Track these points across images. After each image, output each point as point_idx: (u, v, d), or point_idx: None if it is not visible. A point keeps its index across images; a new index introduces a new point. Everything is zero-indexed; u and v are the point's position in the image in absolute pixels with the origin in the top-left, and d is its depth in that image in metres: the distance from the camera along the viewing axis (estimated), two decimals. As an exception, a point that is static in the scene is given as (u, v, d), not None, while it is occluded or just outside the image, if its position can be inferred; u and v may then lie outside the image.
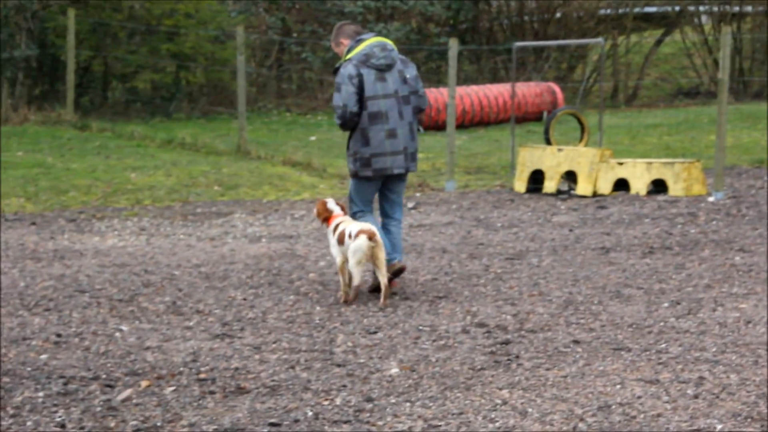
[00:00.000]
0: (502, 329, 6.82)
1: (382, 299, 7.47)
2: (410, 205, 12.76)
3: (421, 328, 6.90)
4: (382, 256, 7.43)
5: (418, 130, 8.02)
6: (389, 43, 7.82)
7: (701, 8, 29.54)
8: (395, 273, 7.82)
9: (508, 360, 6.11)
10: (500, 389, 5.60)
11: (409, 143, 7.82)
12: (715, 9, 29.04)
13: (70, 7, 19.97)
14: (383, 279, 7.47)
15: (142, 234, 10.72)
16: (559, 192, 13.42)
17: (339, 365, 6.07)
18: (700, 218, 11.14)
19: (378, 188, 7.94)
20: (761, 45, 29.52)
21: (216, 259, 9.37)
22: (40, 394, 5.61)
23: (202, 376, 5.89)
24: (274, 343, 6.58)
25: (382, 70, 7.71)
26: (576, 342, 6.45)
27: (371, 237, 7.40)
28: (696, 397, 5.40)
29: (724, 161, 12.99)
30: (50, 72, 21.13)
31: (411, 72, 7.82)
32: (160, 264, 9.13)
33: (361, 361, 6.16)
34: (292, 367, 6.03)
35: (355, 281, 7.52)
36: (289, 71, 24.80)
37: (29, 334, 6.80)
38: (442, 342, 6.54)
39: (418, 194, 13.77)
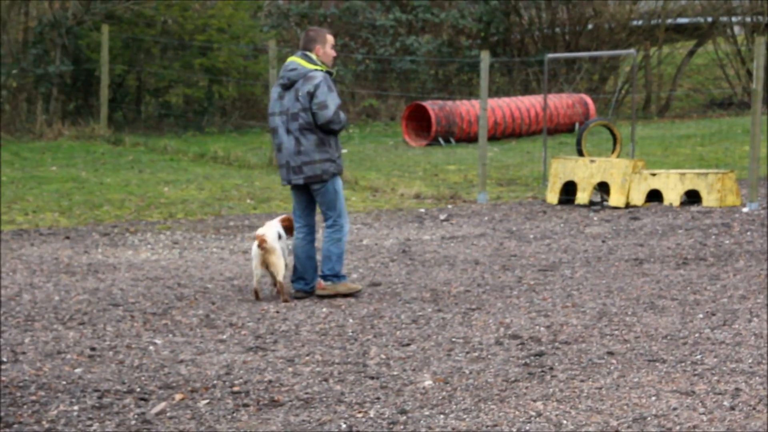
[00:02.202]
0: (536, 341, 6.78)
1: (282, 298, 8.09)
2: (442, 217, 12.74)
3: (454, 340, 6.88)
4: (273, 260, 8.02)
5: (351, 137, 8.54)
6: (297, 62, 8.13)
7: (734, 19, 29.37)
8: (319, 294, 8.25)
9: (542, 372, 6.07)
10: (534, 401, 5.57)
11: (293, 157, 8.15)
12: (748, 20, 28.87)
13: (104, 23, 20.15)
14: (278, 279, 8.09)
15: (175, 247, 10.77)
16: (591, 203, 13.35)
17: (372, 377, 6.06)
18: (734, 229, 11.05)
19: (299, 198, 8.36)
20: (795, 54, 29.28)
21: (249, 273, 9.38)
22: (75, 407, 5.64)
23: (236, 389, 5.90)
24: (308, 355, 6.57)
25: (285, 88, 8.17)
26: (610, 353, 6.41)
27: (260, 243, 8.03)
28: (732, 408, 5.34)
29: (759, 172, 12.89)
30: (84, 87, 21.32)
31: (304, 89, 8.07)
32: (193, 277, 9.17)
33: (395, 373, 6.15)
34: (326, 380, 6.03)
35: (253, 283, 8.17)
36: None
37: (64, 347, 6.84)
38: (476, 354, 6.52)
39: (450, 206, 13.75)
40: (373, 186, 14.90)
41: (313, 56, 8.11)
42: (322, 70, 8.07)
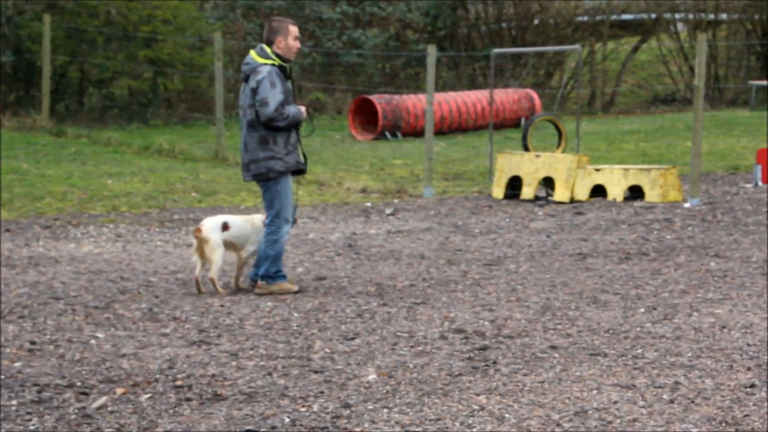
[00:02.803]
0: (480, 335, 6.83)
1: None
2: (388, 211, 12.76)
3: (398, 334, 6.90)
4: (207, 251, 8.07)
5: (312, 131, 8.24)
6: (251, 55, 8.02)
7: (677, 16, 29.72)
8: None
9: (486, 366, 6.11)
10: (478, 395, 5.61)
11: (244, 154, 8.12)
12: (691, 17, 29.23)
13: (46, 13, 19.87)
14: (210, 272, 8.10)
15: (118, 241, 10.67)
16: (536, 198, 13.45)
17: (316, 371, 6.06)
18: (676, 224, 11.20)
19: (262, 193, 8.28)
20: (736, 52, 29.74)
21: (193, 266, 9.33)
22: (14, 402, 5.57)
23: (179, 383, 5.86)
24: (251, 349, 6.56)
25: (245, 81, 8.12)
26: (553, 347, 6.47)
27: (195, 232, 8.19)
28: (671, 402, 5.42)
29: (700, 168, 13.07)
30: (25, 78, 21.02)
31: (251, 84, 7.97)
32: (136, 271, 9.09)
33: (339, 367, 6.15)
34: (270, 374, 6.01)
35: (195, 272, 8.24)
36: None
37: (3, 341, 6.75)
38: (420, 348, 6.54)
39: (396, 200, 13.78)
40: (319, 180, 14.88)
41: (268, 50, 7.92)
42: (272, 64, 7.91)
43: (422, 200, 13.74)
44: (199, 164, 15.73)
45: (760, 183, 13.95)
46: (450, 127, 21.88)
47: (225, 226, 8.21)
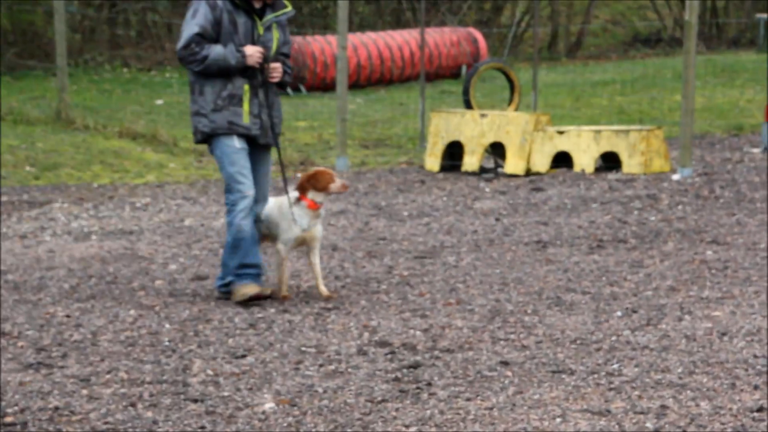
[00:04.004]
0: (410, 349, 6.87)
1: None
2: (290, 188, 12.74)
3: (303, 349, 6.92)
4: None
5: (286, 93, 8.13)
6: None
7: (663, -70, 30.09)
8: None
9: (418, 389, 6.16)
10: (407, 426, 5.65)
11: None
12: (681, -69, 29.61)
13: None
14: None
15: (-72, 232, 10.54)
16: (482, 170, 13.56)
17: (195, 400, 6.05)
18: (662, 202, 11.38)
19: None
20: (739, -22, 30.21)
21: (28, 264, 9.24)
22: None
23: (9, 419, 5.82)
24: (108, 373, 6.53)
25: None
26: (504, 363, 6.54)
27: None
28: (657, 431, 5.52)
29: (693, 128, 13.28)
30: None
31: None
32: (-47, 271, 9.00)
33: (225, 394, 6.15)
34: (133, 405, 6.00)
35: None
36: (126, 13, 24.52)
37: None
38: (332, 367, 6.57)
39: (299, 174, 13.78)
40: (197, 149, 14.81)
41: None
42: None
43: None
44: (36, 128, 15.55)
45: (769, 147, 14.24)
46: (369, 79, 21.91)
47: None
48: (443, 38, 22.55)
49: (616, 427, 5.58)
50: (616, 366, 6.46)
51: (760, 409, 5.72)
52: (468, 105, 15.72)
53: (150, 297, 8.21)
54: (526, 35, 26.48)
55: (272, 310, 7.81)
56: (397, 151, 15.01)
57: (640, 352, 6.71)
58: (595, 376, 6.31)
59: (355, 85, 20.63)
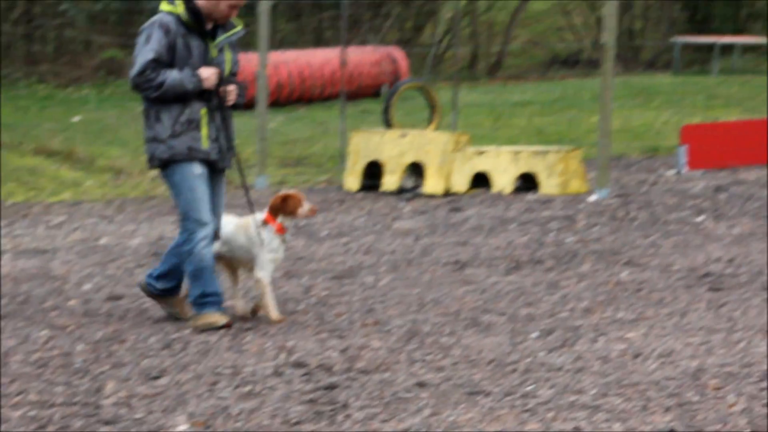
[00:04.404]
0: (326, 370, 6.86)
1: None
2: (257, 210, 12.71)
3: (219, 370, 6.88)
4: None
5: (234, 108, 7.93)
6: None
7: (581, -48, 30.33)
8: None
9: (333, 410, 6.15)
10: (322, 449, 5.64)
11: None
12: (599, -46, 29.91)
13: None
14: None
15: None
16: (401, 190, 13.59)
17: (108, 422, 5.99)
18: (578, 223, 11.46)
19: None
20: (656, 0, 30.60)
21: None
22: None
23: None
24: (18, 395, 6.44)
25: None
26: (421, 385, 6.54)
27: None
28: (571, 452, 5.55)
29: (610, 150, 13.41)
30: None
31: None
32: None
33: (139, 416, 6.10)
34: (43, 427, 5.92)
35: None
36: (43, 28, 24.31)
37: None
38: (247, 388, 6.54)
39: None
40: (115, 166, 14.72)
41: None
42: (170, 12, 7.65)
43: (253, 193, 13.66)
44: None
45: (684, 169, 14.41)
46: (290, 97, 21.89)
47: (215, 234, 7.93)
48: (364, 57, 22.60)
49: (530, 449, 5.60)
50: (531, 387, 6.49)
51: (671, 431, 5.76)
52: (388, 124, 15.76)
53: (63, 317, 8.13)
54: (447, 55, 26.62)
55: (187, 331, 7.76)
56: (317, 170, 15.01)
57: (555, 373, 6.75)
58: (511, 397, 6.33)
59: (276, 104, 20.59)
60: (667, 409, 6.08)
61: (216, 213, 7.91)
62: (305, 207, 7.99)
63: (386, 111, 15.96)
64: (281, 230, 7.94)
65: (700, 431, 5.76)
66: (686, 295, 8.53)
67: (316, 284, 9.09)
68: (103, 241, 10.97)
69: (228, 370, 6.89)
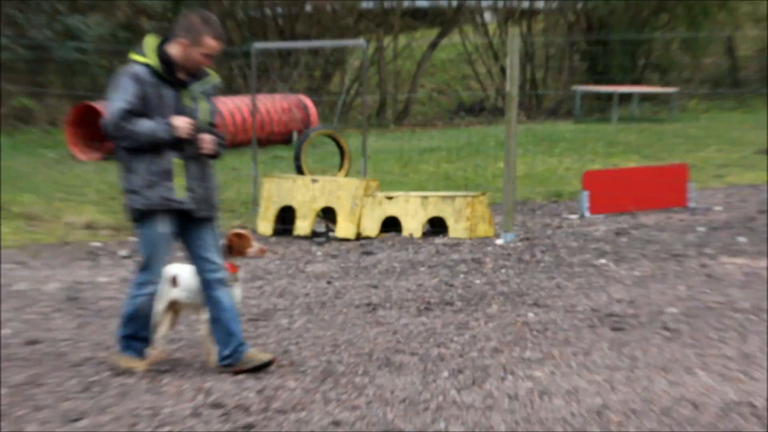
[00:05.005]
0: (244, 410, 6.90)
1: None
2: (123, 252, 12.69)
3: (138, 412, 6.89)
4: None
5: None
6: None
7: (483, 3, 30.69)
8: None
9: (252, 449, 6.19)
10: (242, 487, 5.68)
11: None
12: (501, 4, 30.28)
13: None
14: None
15: None
16: (314, 234, 13.67)
17: (30, 464, 6.00)
18: (486, 265, 11.60)
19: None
20: (556, 50, 31.05)
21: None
22: None
23: None
24: (-58, 438, 6.42)
25: None
26: (336, 423, 6.61)
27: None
28: (483, 486, 5.66)
29: (515, 195, 13.59)
30: None
31: None
32: None
33: (60, 457, 6.10)
34: (-32, 470, 5.91)
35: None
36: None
37: None
38: (166, 429, 6.56)
39: (132, 239, 13.68)
40: (28, 213, 14.63)
41: (150, 44, 7.58)
42: (142, 63, 7.57)
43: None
44: None
45: (586, 213, 14.65)
46: (201, 144, 21.84)
47: (174, 281, 7.91)
48: (274, 105, 22.69)
49: (444, 483, 5.70)
50: (443, 425, 6.58)
51: (578, 464, 5.90)
52: (299, 170, 15.85)
53: (-17, 361, 8.07)
54: (355, 103, 26.78)
55: (106, 374, 7.75)
56: (230, 215, 15.01)
57: (466, 411, 6.85)
58: (423, 434, 6.41)
59: (187, 150, 20.57)
60: (574, 444, 6.22)
61: (215, 257, 7.79)
62: (254, 247, 8.02)
63: (297, 157, 16.05)
64: (233, 269, 7.96)
65: (605, 464, 5.90)
66: (590, 334, 8.69)
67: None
68: (19, 286, 10.91)
69: (147, 412, 6.90)
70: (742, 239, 12.74)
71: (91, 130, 21.28)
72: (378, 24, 28.23)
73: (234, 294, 7.90)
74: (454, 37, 30.52)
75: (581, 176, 15.16)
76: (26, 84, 24.78)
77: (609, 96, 28.00)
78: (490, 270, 11.38)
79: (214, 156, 7.83)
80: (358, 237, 13.35)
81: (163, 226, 7.67)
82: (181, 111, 7.62)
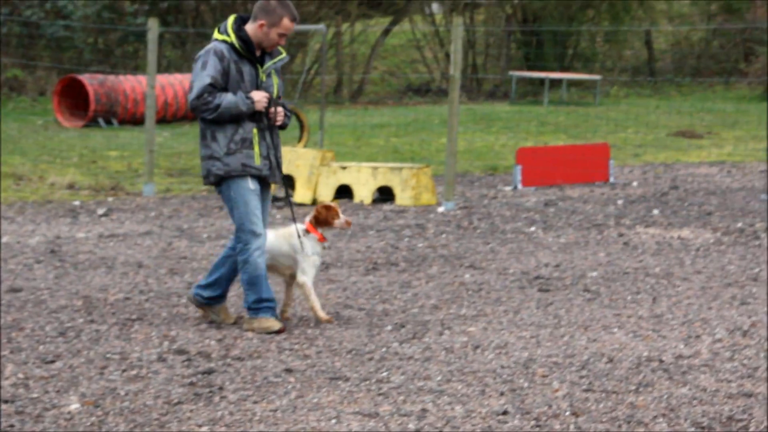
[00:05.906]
0: (205, 357, 6.81)
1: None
2: (100, 211, 12.50)
3: (108, 356, 6.79)
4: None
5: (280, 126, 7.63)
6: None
7: (433, -4, 30.60)
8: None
9: (210, 392, 6.10)
10: (200, 426, 5.59)
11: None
12: (448, -2, 30.21)
13: None
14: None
15: None
16: (274, 199, 13.52)
17: (7, 401, 5.88)
18: (428, 231, 11.54)
19: None
20: (495, 39, 31.06)
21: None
22: None
23: None
24: (-73, 377, 6.27)
25: None
26: (288, 371, 6.53)
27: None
28: (418, 431, 5.58)
29: (456, 168, 13.54)
30: None
31: None
32: None
33: (35, 395, 5.99)
34: (-51, 407, 5.78)
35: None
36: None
37: None
38: (134, 372, 6.46)
39: (110, 199, 13.53)
40: (17, 173, 14.41)
41: (230, 23, 7.39)
42: (223, 41, 7.38)
43: (141, 199, 13.53)
44: None
45: (519, 186, 14.60)
46: (175, 115, 21.69)
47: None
48: (242, 82, 22.48)
49: (383, 427, 5.62)
50: (385, 374, 6.51)
51: (504, 413, 5.84)
52: (262, 141, 15.69)
53: (-32, 307, 7.93)
54: (315, 81, 26.62)
55: (80, 321, 7.63)
56: (199, 179, 14.86)
57: (406, 361, 6.78)
58: (367, 382, 6.34)
59: (163, 120, 20.38)
60: (502, 394, 6.16)
61: (264, 222, 7.63)
62: (341, 219, 7.82)
63: (261, 129, 15.88)
64: (322, 239, 7.75)
65: (529, 413, 5.84)
66: (519, 295, 8.64)
67: (198, 280, 8.99)
68: (4, 239, 10.73)
69: (117, 356, 6.80)
70: (655, 212, 12.73)
71: (76, 100, 21.06)
72: (337, 11, 28.07)
73: (315, 263, 7.73)
74: (405, 25, 30.50)
75: (515, 152, 15.14)
76: (18, 57, 24.44)
77: (541, 81, 28.06)
78: (432, 235, 11.31)
79: (283, 127, 7.69)
80: (314, 202, 13.24)
81: (250, 184, 7.48)
82: (258, 86, 7.50)
